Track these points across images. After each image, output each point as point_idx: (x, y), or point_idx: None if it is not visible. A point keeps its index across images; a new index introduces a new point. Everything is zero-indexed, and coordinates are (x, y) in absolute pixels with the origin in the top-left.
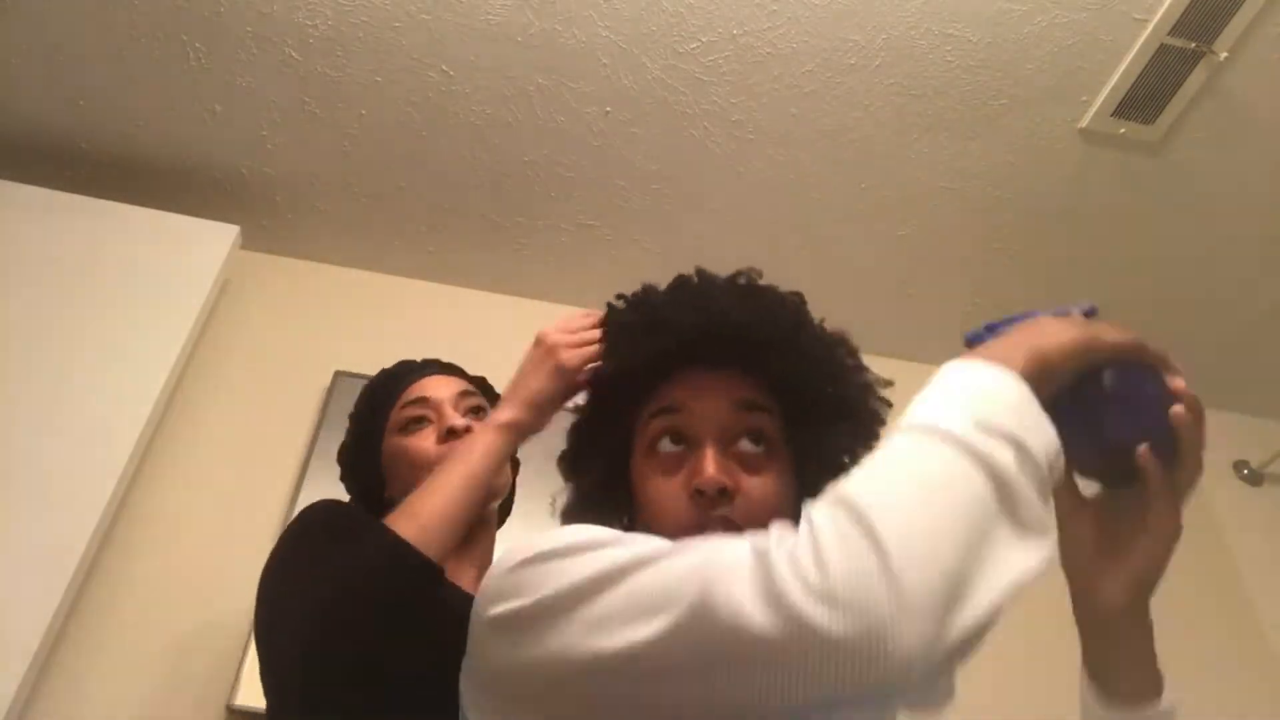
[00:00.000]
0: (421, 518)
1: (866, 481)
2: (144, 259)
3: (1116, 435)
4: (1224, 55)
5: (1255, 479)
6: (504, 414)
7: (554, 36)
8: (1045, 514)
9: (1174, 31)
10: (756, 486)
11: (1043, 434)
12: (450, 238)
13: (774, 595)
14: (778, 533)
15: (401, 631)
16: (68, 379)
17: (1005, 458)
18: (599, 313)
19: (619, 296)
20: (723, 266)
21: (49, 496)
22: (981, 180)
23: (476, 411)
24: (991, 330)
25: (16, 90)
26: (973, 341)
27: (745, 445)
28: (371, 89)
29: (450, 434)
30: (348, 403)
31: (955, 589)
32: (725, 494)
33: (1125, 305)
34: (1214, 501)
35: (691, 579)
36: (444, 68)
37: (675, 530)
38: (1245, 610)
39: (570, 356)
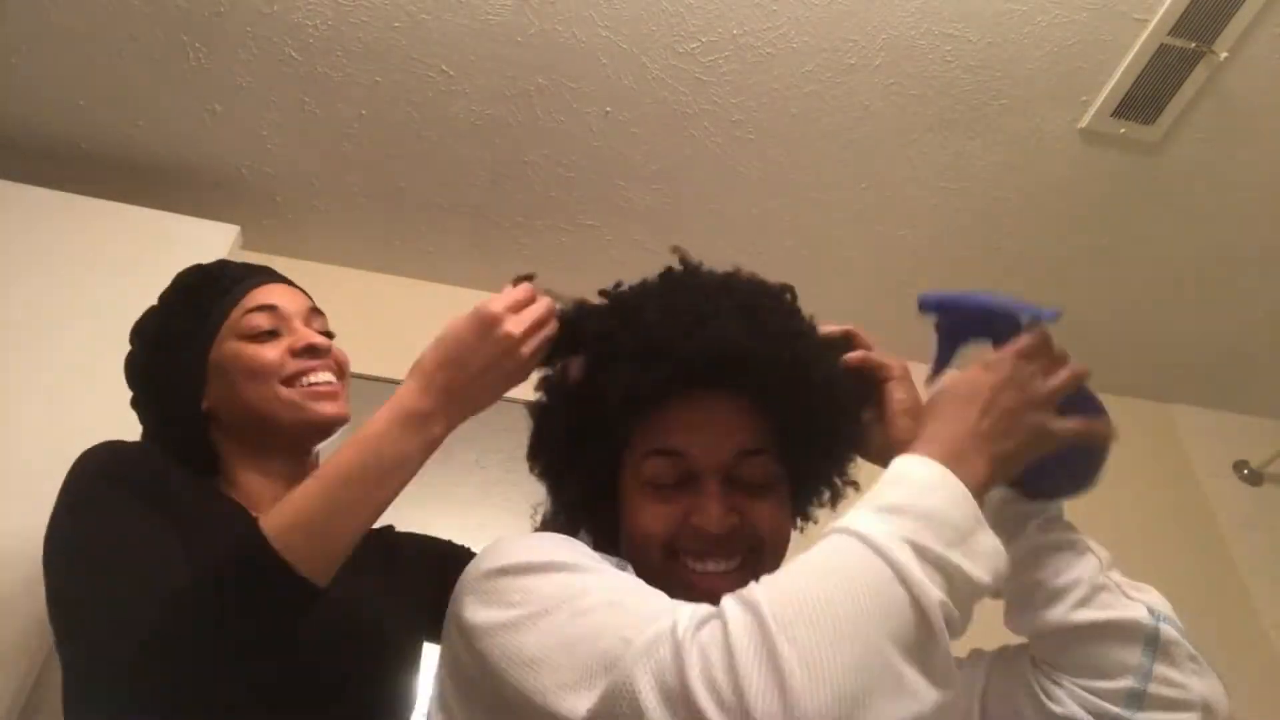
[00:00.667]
0: (314, 531)
1: (788, 592)
2: (144, 259)
3: (1042, 484)
4: (1224, 55)
5: (1255, 479)
6: (433, 413)
7: (554, 36)
8: (951, 667)
9: (1174, 31)
10: (764, 513)
11: (984, 559)
12: (450, 238)
13: (680, 701)
14: (698, 619)
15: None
16: (68, 379)
17: (934, 596)
18: (538, 292)
19: (601, 292)
20: (722, 266)
21: (49, 496)
22: (981, 180)
23: (327, 336)
24: (942, 308)
25: (16, 90)
26: (925, 306)
27: (747, 480)
28: (371, 89)
29: (309, 351)
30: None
31: (850, 713)
32: (729, 537)
33: (1125, 305)
34: (1214, 501)
35: (620, 655)
36: (444, 68)
37: (659, 559)
38: (1245, 610)
39: (530, 351)
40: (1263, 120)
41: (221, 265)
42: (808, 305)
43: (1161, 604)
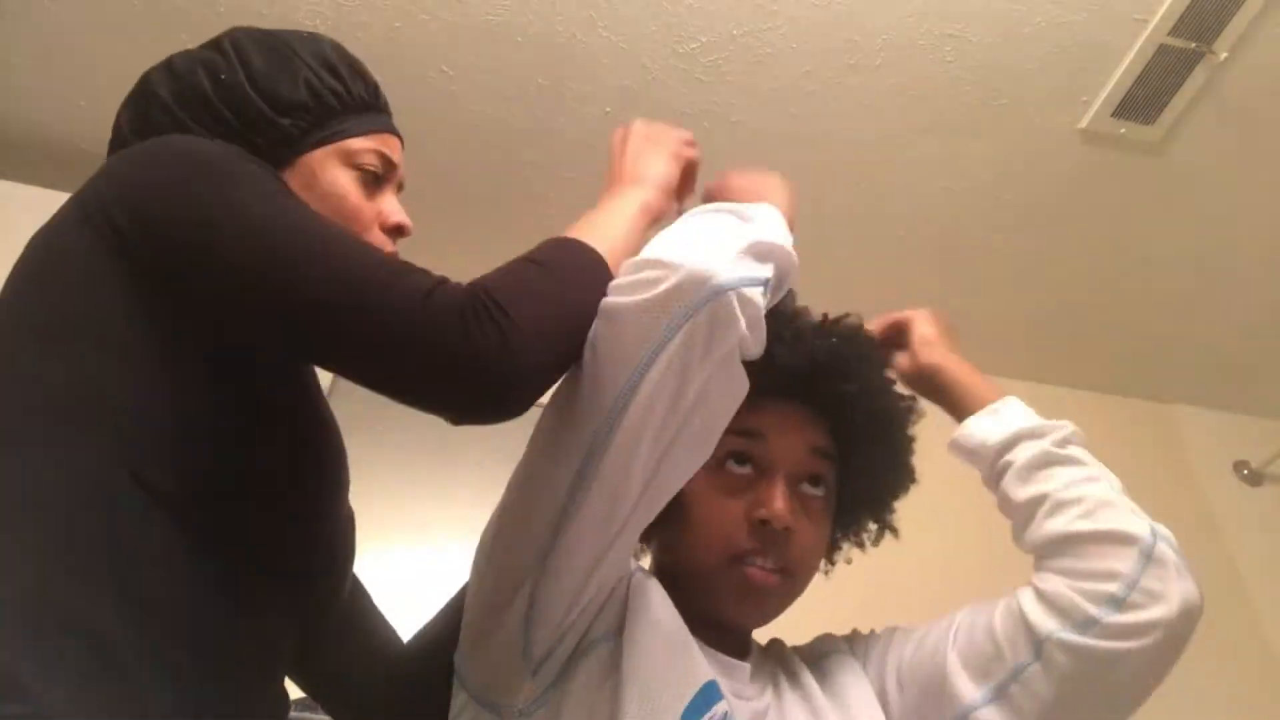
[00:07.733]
0: (615, 251)
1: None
2: None
3: None
4: (1224, 55)
5: (1255, 479)
6: (644, 194)
7: (554, 36)
8: None
9: (1174, 31)
10: (809, 535)
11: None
12: (449, 238)
13: None
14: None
15: None
16: None
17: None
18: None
19: None
20: None
21: None
22: (981, 180)
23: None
24: None
25: (16, 90)
26: None
27: (807, 488)
28: None
29: (398, 231)
30: (347, 402)
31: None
32: (788, 532)
33: (1125, 305)
34: (1214, 501)
35: None
36: (444, 68)
37: (721, 553)
38: (1245, 610)
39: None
40: (1263, 120)
41: (367, 78)
42: (808, 305)
43: (1165, 530)
